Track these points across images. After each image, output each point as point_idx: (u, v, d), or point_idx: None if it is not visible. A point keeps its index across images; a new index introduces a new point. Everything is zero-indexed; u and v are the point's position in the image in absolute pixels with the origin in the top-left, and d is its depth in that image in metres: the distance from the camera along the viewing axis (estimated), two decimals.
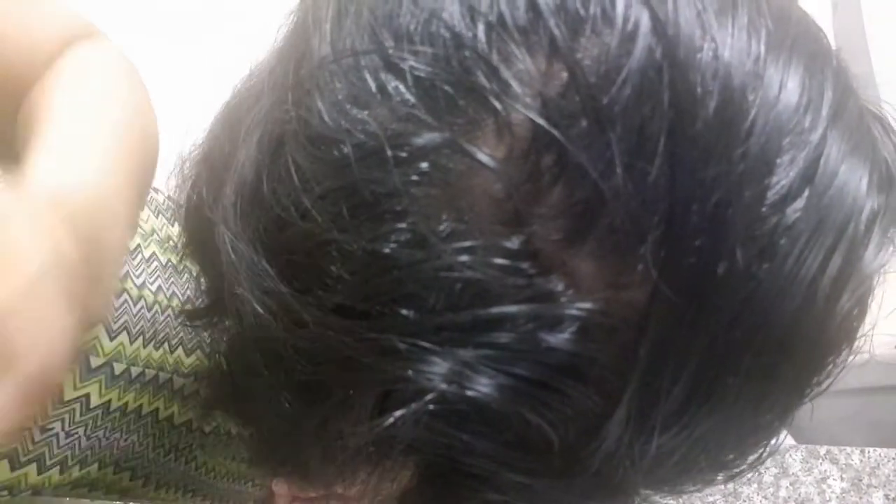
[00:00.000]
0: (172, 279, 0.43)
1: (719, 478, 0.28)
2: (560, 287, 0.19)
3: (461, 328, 0.19)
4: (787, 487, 0.77)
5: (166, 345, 0.40)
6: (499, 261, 0.19)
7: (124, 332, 0.37)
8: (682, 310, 0.19)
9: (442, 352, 0.20)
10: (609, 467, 0.23)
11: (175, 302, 0.41)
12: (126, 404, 0.37)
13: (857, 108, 0.22)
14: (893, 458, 0.79)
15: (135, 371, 0.37)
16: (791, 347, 0.21)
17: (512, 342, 0.20)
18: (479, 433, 0.22)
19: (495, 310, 0.19)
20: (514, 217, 0.19)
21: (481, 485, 0.25)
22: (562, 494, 0.25)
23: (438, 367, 0.20)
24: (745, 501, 0.76)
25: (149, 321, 0.39)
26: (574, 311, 0.19)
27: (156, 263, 0.42)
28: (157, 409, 0.40)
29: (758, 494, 0.76)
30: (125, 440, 0.38)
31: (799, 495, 0.77)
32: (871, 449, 0.80)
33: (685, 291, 0.19)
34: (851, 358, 0.24)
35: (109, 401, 0.36)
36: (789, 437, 0.90)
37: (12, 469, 0.33)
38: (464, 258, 0.19)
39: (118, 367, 0.36)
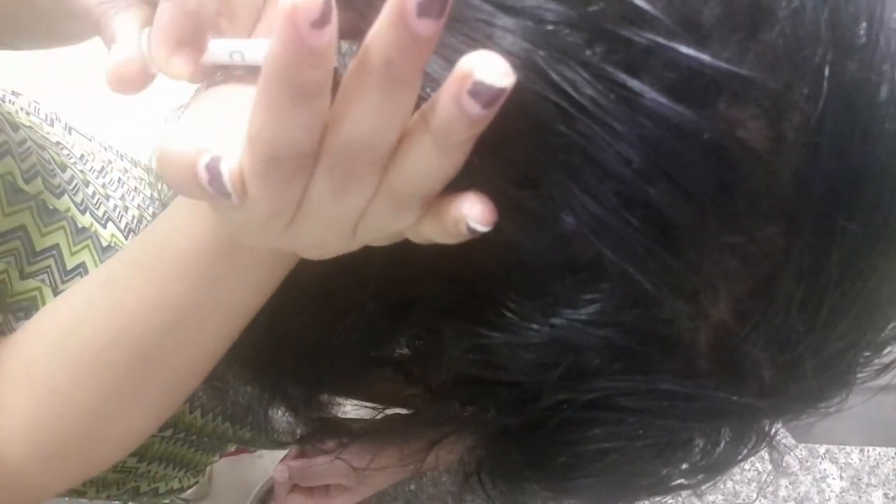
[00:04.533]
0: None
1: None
2: (724, 102, 0.19)
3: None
4: (786, 486, 0.77)
5: None
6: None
7: None
8: (851, 130, 0.19)
9: None
10: (776, 345, 0.21)
11: None
12: None
13: None
14: (893, 457, 0.79)
15: None
16: None
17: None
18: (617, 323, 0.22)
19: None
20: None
21: (597, 412, 0.23)
22: (708, 402, 0.23)
23: None
24: (744, 500, 0.75)
25: None
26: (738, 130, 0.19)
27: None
28: None
29: (757, 493, 0.76)
30: None
31: (798, 494, 0.77)
32: (871, 448, 0.80)
33: (851, 112, 0.19)
34: None
35: None
36: (788, 436, 0.90)
37: None
38: None
39: None
